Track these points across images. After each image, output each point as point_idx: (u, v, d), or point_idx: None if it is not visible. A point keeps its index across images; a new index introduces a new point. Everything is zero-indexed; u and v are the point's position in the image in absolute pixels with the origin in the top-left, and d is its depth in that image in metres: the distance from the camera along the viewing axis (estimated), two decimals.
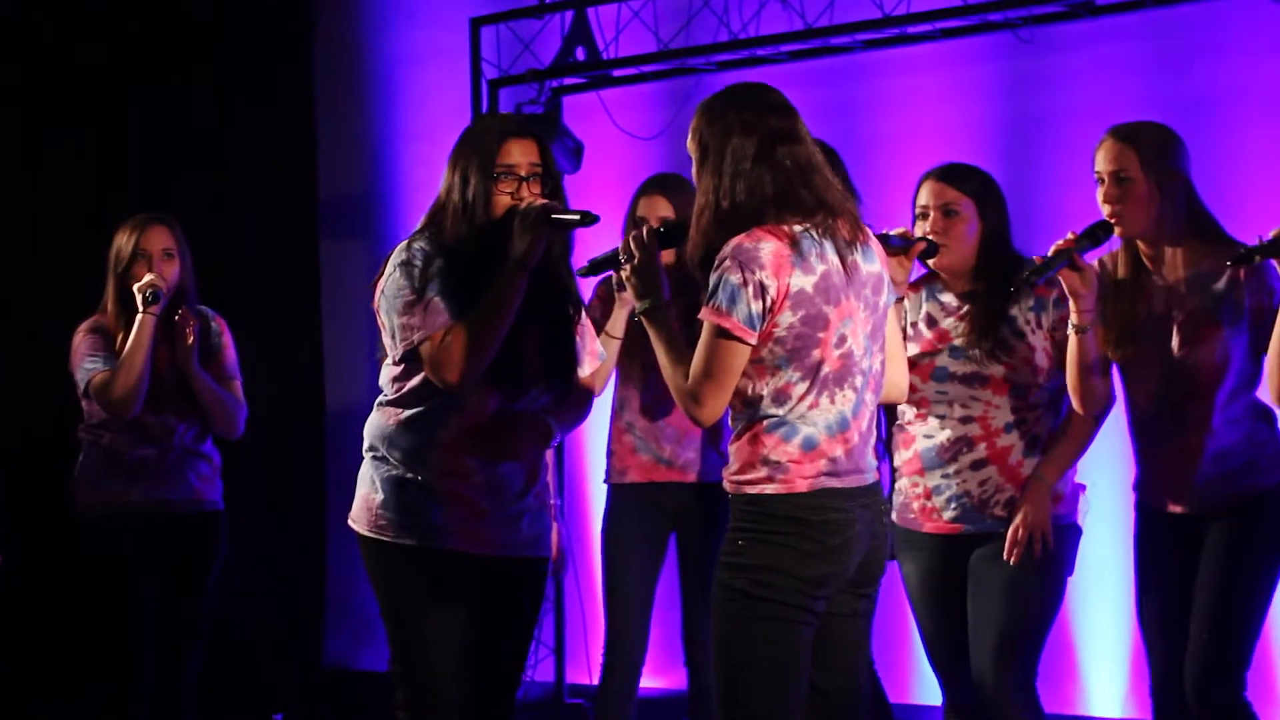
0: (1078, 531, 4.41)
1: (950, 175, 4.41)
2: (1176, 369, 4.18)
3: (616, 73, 6.65)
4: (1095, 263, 4.26)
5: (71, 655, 6.71)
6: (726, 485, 3.58)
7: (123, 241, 5.31)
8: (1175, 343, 4.18)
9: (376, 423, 3.98)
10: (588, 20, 6.65)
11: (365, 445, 4.00)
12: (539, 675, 6.87)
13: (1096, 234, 4.17)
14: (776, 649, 3.50)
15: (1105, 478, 5.40)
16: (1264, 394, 4.10)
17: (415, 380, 3.89)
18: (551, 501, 5.31)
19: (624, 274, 3.68)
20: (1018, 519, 4.28)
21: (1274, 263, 3.87)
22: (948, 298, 4.42)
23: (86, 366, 5.28)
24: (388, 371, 3.96)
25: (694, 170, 3.59)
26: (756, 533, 3.51)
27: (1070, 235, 4.16)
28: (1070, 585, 4.30)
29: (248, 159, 7.29)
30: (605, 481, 5.14)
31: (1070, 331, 4.20)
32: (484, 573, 3.95)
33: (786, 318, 3.48)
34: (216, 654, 6.64)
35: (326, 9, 7.40)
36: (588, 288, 5.07)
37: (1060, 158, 5.85)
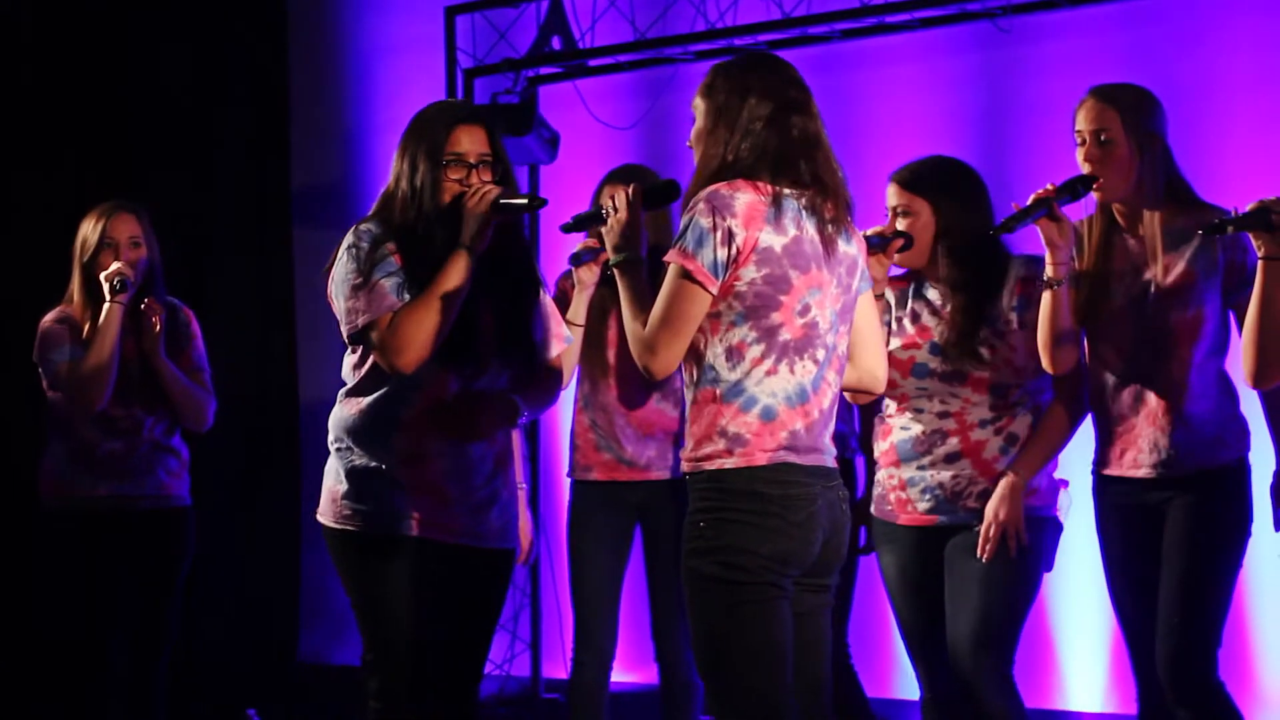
0: (1057, 526, 4.39)
1: (905, 178, 4.42)
2: (1150, 325, 4.16)
3: (593, 62, 6.64)
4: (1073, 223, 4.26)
5: (39, 653, 6.62)
6: (685, 466, 3.54)
7: (88, 229, 5.21)
8: (1149, 298, 4.16)
9: (339, 414, 3.98)
10: (564, 9, 6.64)
11: (330, 438, 3.99)
12: (515, 670, 6.86)
13: (1076, 187, 4.16)
14: (761, 631, 3.45)
15: (1085, 471, 5.39)
16: (1234, 369, 4.08)
17: (371, 364, 3.89)
18: (521, 485, 5.32)
19: (605, 229, 3.66)
20: (989, 516, 4.27)
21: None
22: (933, 294, 4.41)
23: (52, 357, 5.19)
24: (348, 360, 3.97)
25: (697, 127, 3.58)
26: (717, 511, 3.46)
27: (1049, 186, 4.15)
28: (1050, 580, 4.28)
29: (220, 147, 7.25)
30: (568, 475, 5.12)
31: (1044, 284, 4.18)
32: (452, 562, 3.93)
33: (749, 272, 3.47)
34: (190, 650, 6.65)
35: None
36: (560, 261, 5.03)
37: (1039, 148, 5.84)
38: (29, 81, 7.07)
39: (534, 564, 6.75)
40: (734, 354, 3.48)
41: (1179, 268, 4.15)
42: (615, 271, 3.61)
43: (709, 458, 3.49)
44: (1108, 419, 4.26)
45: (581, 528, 5.06)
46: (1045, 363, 4.23)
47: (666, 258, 3.46)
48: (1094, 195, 4.18)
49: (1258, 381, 3.89)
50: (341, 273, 3.88)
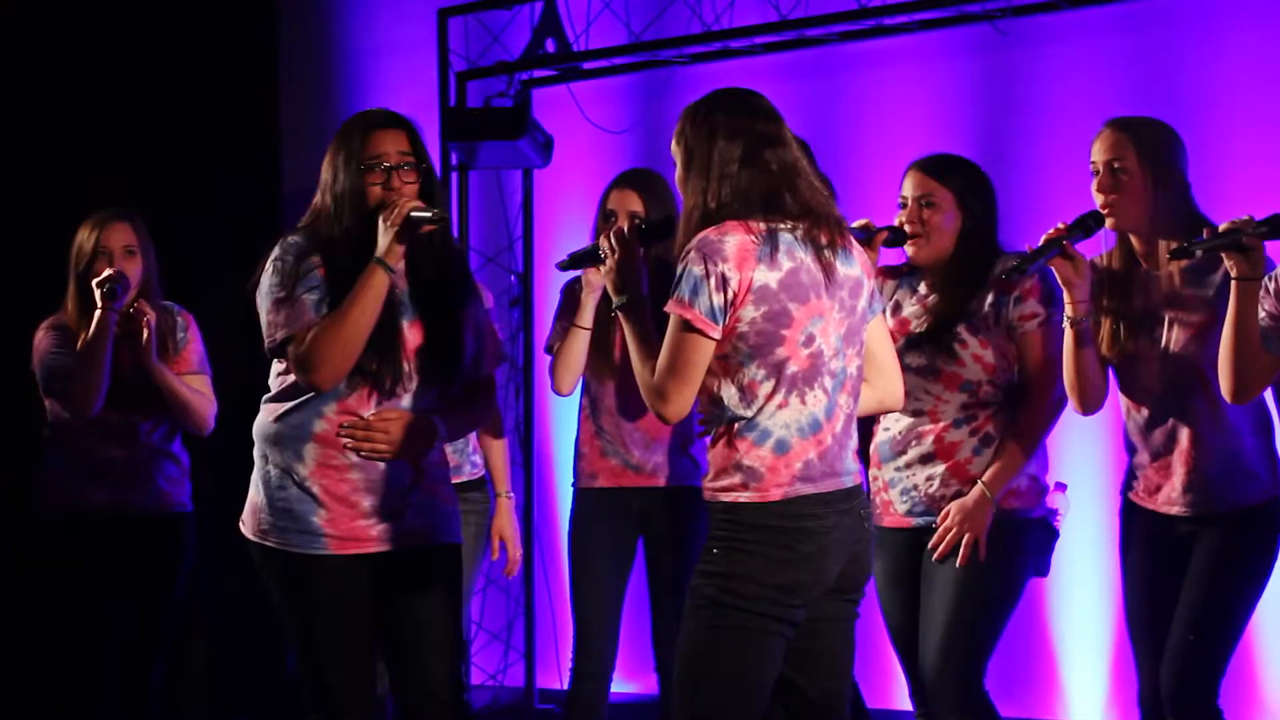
0: (1047, 529, 4.34)
1: (932, 167, 4.37)
2: (1175, 363, 4.12)
3: (587, 65, 6.60)
4: (1089, 259, 4.20)
5: (33, 660, 6.55)
6: (706, 494, 3.57)
7: (84, 238, 5.23)
8: (1173, 337, 4.12)
9: (259, 421, 4.00)
10: (558, 11, 6.60)
11: (255, 447, 3.98)
12: (509, 680, 6.82)
13: (1087, 224, 4.12)
14: (739, 658, 3.51)
15: (1087, 480, 5.36)
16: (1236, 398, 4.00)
17: (293, 376, 3.90)
18: (509, 495, 5.26)
19: (603, 269, 3.67)
20: (951, 519, 4.23)
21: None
22: (921, 288, 4.38)
23: (47, 364, 5.20)
24: (274, 368, 3.98)
25: (678, 174, 3.60)
26: (729, 541, 3.52)
27: (1060, 225, 4.10)
28: (1050, 588, 4.26)
29: (209, 152, 7.20)
30: (573, 485, 5.07)
31: (1066, 325, 4.15)
32: (377, 568, 3.91)
33: (749, 312, 3.49)
34: (181, 658, 6.60)
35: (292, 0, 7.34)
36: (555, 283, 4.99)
37: (1039, 152, 5.81)
38: (16, 88, 7.03)
39: (528, 574, 6.71)
40: (746, 393, 3.52)
41: (1199, 306, 4.10)
42: (619, 315, 3.63)
43: (726, 489, 3.53)
44: (1141, 455, 4.22)
45: (584, 537, 5.02)
46: (1074, 404, 4.20)
47: (666, 308, 3.49)
48: (1109, 228, 4.13)
49: (1237, 399, 3.89)
50: (265, 286, 3.91)
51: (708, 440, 3.59)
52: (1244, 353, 3.81)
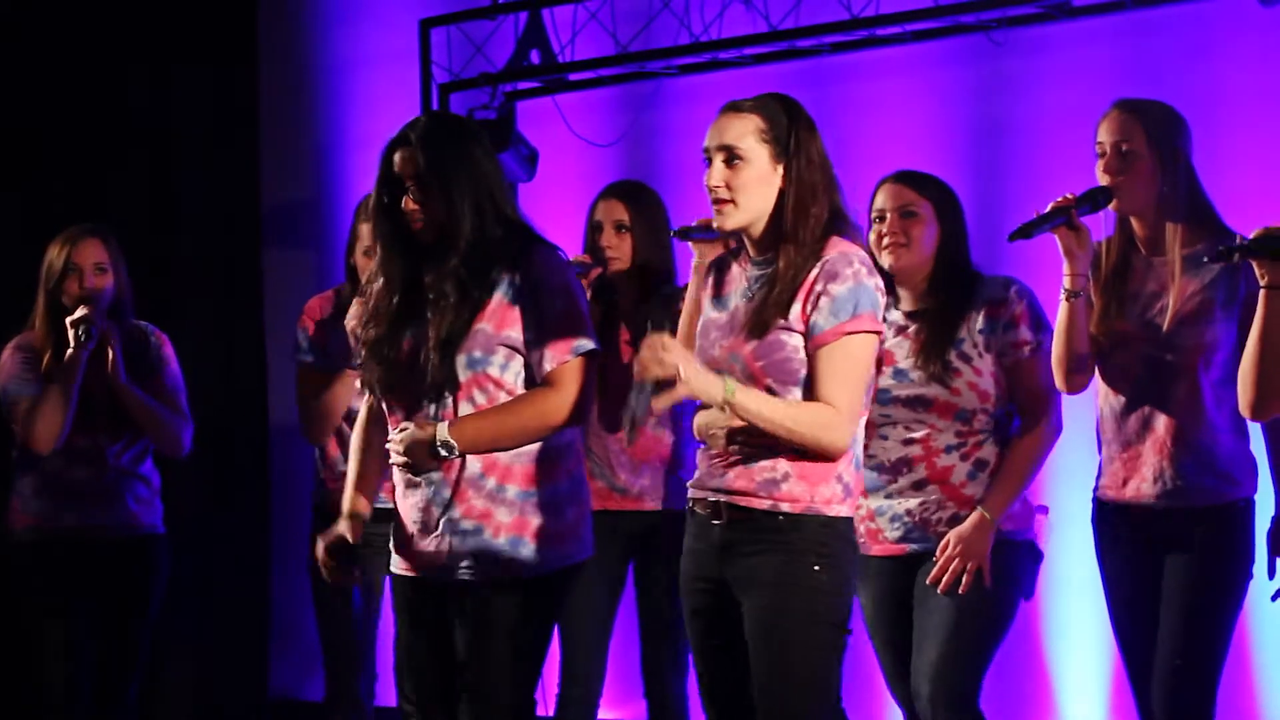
0: (1034, 552, 4.32)
1: (908, 178, 4.37)
2: (1163, 348, 4.07)
3: (572, 76, 6.53)
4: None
5: (3, 683, 6.58)
6: (789, 506, 3.53)
7: (54, 255, 5.19)
8: (1165, 320, 4.07)
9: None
10: (542, 22, 6.53)
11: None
12: None
13: (1096, 198, 4.10)
14: (841, 672, 3.66)
15: (1079, 497, 5.29)
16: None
17: None
18: None
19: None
20: (951, 547, 4.19)
21: None
22: (895, 315, 4.33)
23: (10, 390, 5.16)
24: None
25: (758, 170, 3.61)
26: (831, 557, 3.55)
27: (1069, 195, 4.08)
28: (1044, 609, 4.25)
29: (187, 164, 7.16)
30: None
31: (1062, 297, 4.12)
32: (425, 597, 3.93)
33: None
34: (156, 683, 6.55)
35: (271, 9, 7.27)
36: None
37: (1034, 164, 5.73)
38: None
39: None
40: None
41: (1196, 292, 4.05)
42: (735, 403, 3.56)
43: (827, 501, 3.56)
44: (1112, 444, 4.17)
45: None
46: (1059, 381, 4.16)
47: (845, 329, 3.51)
48: (1113, 211, 4.10)
49: (1256, 413, 3.79)
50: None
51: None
52: (1271, 361, 3.70)
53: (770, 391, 3.57)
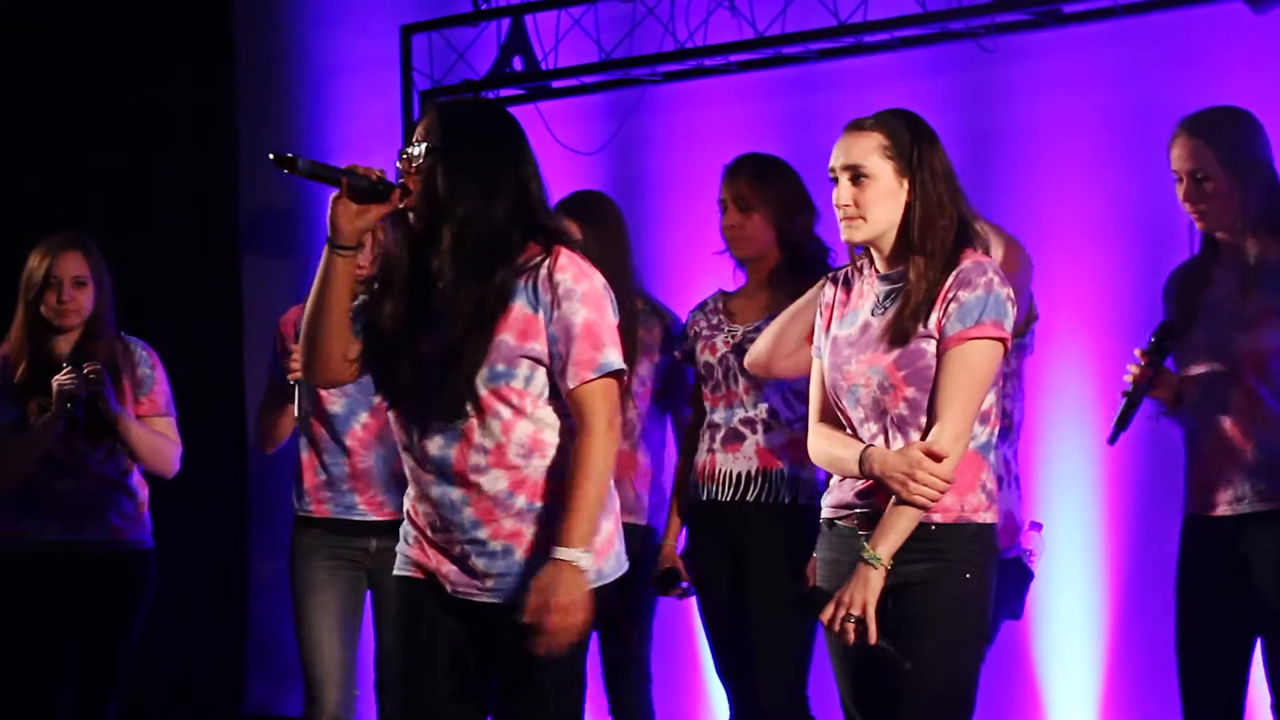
0: (1022, 571, 4.30)
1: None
2: (1226, 351, 4.03)
3: (556, 84, 6.47)
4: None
5: None
6: (940, 516, 3.52)
7: (34, 265, 5.13)
8: (1235, 329, 4.03)
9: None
10: (525, 28, 6.47)
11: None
12: None
13: (1163, 345, 4.08)
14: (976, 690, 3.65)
15: (1070, 510, 5.25)
16: None
17: None
18: None
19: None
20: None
21: None
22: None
23: None
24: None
25: (883, 185, 3.67)
26: (981, 565, 3.57)
27: (1139, 354, 4.05)
28: (1034, 626, 4.19)
29: (164, 171, 7.12)
30: None
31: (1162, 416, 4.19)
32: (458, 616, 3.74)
33: None
34: (134, 698, 6.47)
35: (249, 14, 7.22)
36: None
37: (1024, 172, 5.68)
38: None
39: None
40: (985, 418, 3.64)
41: (1268, 300, 4.01)
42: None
43: (975, 509, 3.59)
44: (1191, 457, 4.13)
45: None
46: None
47: (972, 334, 3.52)
48: (1197, 226, 4.09)
49: None
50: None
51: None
52: None
53: (911, 402, 3.59)
